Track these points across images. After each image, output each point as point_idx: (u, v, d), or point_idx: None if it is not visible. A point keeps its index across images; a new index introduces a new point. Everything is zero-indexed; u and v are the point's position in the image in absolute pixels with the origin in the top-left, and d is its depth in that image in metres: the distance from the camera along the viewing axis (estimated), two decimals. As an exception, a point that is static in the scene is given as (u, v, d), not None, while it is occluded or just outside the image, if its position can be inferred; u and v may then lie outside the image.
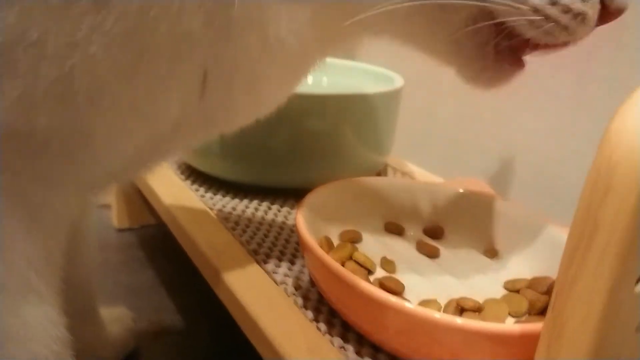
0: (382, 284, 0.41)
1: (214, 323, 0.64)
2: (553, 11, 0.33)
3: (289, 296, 0.45)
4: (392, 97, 0.66)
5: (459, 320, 0.33)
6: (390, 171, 0.75)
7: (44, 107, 0.29)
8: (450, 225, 0.53)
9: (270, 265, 0.49)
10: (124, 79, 0.30)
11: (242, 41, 0.32)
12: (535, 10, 0.33)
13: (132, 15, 0.28)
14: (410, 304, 0.35)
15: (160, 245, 0.80)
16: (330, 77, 0.83)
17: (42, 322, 0.34)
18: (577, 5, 0.33)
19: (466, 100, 0.79)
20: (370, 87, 0.76)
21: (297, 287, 0.46)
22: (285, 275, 0.48)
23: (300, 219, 0.44)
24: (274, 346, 0.39)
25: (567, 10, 0.33)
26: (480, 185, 0.56)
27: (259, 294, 0.45)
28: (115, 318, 0.57)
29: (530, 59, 0.39)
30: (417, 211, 0.54)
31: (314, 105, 0.60)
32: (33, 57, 0.27)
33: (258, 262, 0.49)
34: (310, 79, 0.83)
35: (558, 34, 0.34)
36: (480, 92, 0.41)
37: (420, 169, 0.77)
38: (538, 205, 0.70)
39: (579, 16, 0.33)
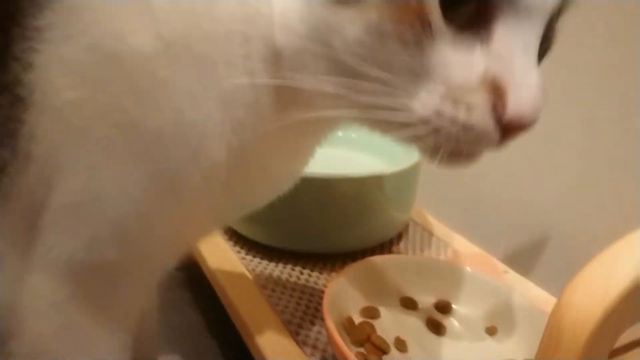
0: (392, 370, 0.49)
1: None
2: (440, 122, 0.32)
3: (316, 368, 0.54)
4: (412, 172, 0.73)
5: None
6: (411, 225, 0.82)
7: (110, 243, 0.37)
8: (458, 300, 0.61)
9: (301, 337, 0.57)
10: (166, 214, 0.38)
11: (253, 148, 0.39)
12: (424, 122, 0.32)
13: (168, 177, 0.36)
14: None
15: (205, 286, 0.88)
16: (359, 133, 0.91)
17: None
18: (462, 116, 0.31)
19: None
20: (395, 151, 0.84)
21: (324, 360, 0.55)
22: (314, 346, 0.56)
23: (326, 305, 0.53)
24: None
25: (454, 121, 0.32)
26: (488, 259, 0.64)
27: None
28: (170, 366, 0.67)
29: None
30: (429, 286, 0.62)
31: (335, 185, 0.68)
32: (97, 210, 0.36)
33: (290, 333, 0.58)
34: (340, 133, 0.92)
35: (451, 144, 0.33)
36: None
37: (438, 222, 0.85)
38: (550, 265, 0.77)
39: (467, 127, 0.32)
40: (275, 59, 0.36)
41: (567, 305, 0.33)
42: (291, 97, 0.37)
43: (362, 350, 0.53)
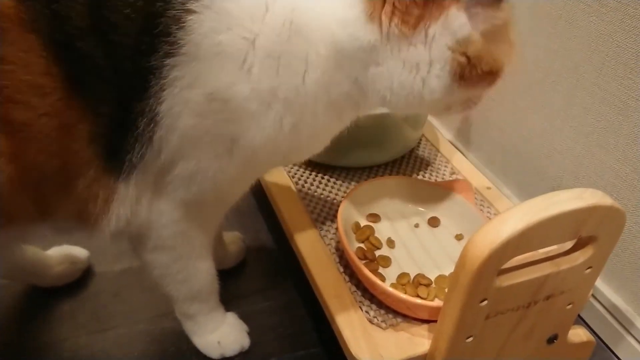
0: (377, 262, 0.74)
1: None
2: None
3: (332, 254, 0.78)
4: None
5: (406, 297, 0.65)
6: (423, 141, 1.03)
7: (208, 193, 0.61)
8: (443, 215, 0.83)
9: (323, 231, 0.82)
10: (246, 178, 0.64)
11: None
12: None
13: (247, 160, 0.58)
14: (388, 287, 0.67)
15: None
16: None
17: (209, 269, 0.71)
18: None
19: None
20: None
21: (337, 249, 0.79)
22: (332, 238, 0.81)
23: (341, 211, 0.76)
24: (315, 281, 0.74)
25: None
26: (466, 185, 0.84)
27: (314, 250, 0.79)
28: (232, 240, 0.94)
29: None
30: (421, 202, 0.84)
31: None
32: (202, 178, 0.58)
33: (316, 227, 0.82)
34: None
35: None
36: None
37: (443, 137, 1.05)
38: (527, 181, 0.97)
39: None
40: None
41: (472, 243, 0.55)
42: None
43: (362, 245, 0.77)
